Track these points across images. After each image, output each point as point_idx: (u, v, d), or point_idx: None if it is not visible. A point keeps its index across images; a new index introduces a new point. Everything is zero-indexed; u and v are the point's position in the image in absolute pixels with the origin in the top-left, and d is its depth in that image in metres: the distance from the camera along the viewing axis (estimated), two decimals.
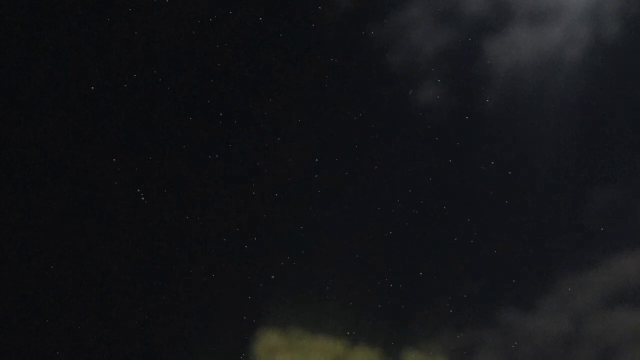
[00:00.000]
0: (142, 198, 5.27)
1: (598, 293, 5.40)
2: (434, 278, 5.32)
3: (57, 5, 5.28)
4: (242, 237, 5.30)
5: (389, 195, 5.38)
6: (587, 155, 5.46)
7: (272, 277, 5.26)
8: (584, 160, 5.46)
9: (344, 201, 5.37)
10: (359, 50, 5.48)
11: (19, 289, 5.15)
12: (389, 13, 5.48)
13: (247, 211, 5.31)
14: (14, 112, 5.25)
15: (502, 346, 5.33)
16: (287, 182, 5.35)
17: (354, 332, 5.25)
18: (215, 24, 5.39)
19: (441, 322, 5.30)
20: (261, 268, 5.28)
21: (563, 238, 5.39)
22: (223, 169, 5.35)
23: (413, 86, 5.44)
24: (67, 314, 5.16)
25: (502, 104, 5.44)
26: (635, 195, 5.45)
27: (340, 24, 5.46)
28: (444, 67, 5.48)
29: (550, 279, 5.37)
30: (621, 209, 5.44)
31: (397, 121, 5.42)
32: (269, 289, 5.24)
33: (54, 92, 5.30)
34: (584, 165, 5.46)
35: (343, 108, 5.42)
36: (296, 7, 5.49)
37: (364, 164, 5.40)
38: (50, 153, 5.24)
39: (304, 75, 5.46)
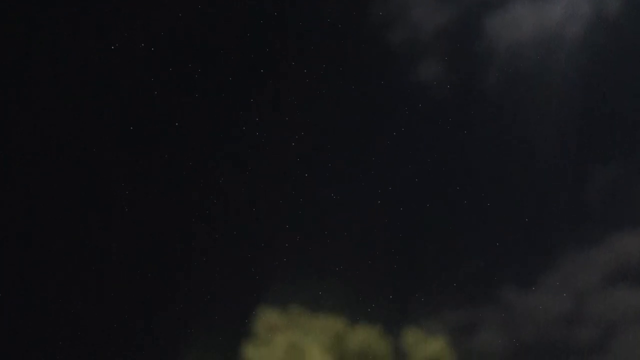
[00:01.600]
0: (141, 178, 5.25)
1: (599, 271, 5.39)
2: (434, 256, 5.31)
3: None
4: (242, 215, 5.28)
5: (389, 173, 5.36)
6: (589, 133, 5.44)
7: (272, 255, 5.24)
8: (585, 138, 5.44)
9: (344, 179, 5.34)
10: (359, 28, 5.45)
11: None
12: None
13: (247, 189, 5.29)
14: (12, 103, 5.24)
15: (503, 324, 5.31)
16: (287, 161, 5.33)
17: (354, 311, 5.24)
18: (214, 1, 5.36)
19: (442, 300, 5.29)
20: (261, 246, 5.26)
21: (564, 216, 5.37)
22: (222, 148, 5.32)
23: (414, 64, 5.41)
24: (67, 295, 5.15)
25: (503, 81, 5.42)
26: (636, 173, 5.43)
27: (341, 1, 5.43)
28: (444, 44, 5.46)
29: (551, 257, 5.35)
30: (622, 187, 5.43)
31: (397, 99, 5.39)
32: (269, 267, 5.22)
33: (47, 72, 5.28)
34: (585, 142, 5.43)
35: (343, 86, 5.39)
36: None
37: (364, 142, 5.38)
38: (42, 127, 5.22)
39: (304, 53, 5.43)
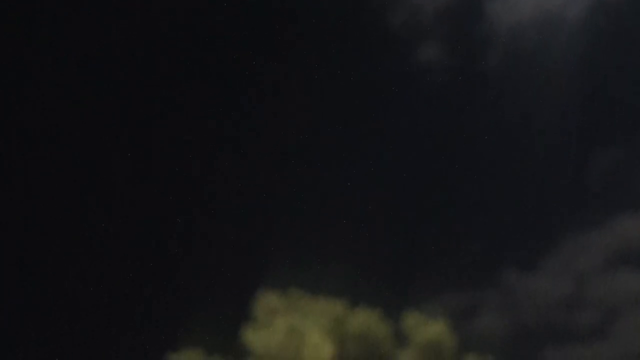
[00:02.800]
0: (142, 160, 5.24)
1: (600, 254, 5.37)
2: (435, 239, 5.29)
3: None
4: (243, 199, 5.26)
5: (390, 156, 5.34)
6: (589, 116, 5.42)
7: (273, 238, 5.23)
8: (585, 121, 5.42)
9: (344, 162, 5.33)
10: (360, 10, 5.42)
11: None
12: None
13: (248, 172, 5.27)
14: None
15: (504, 307, 5.30)
16: (287, 144, 5.31)
17: (354, 294, 5.22)
18: None
19: (442, 283, 5.27)
20: (262, 229, 5.24)
21: (565, 199, 5.35)
22: (223, 131, 5.31)
23: (414, 46, 5.39)
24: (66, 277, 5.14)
25: (504, 64, 5.40)
26: (637, 155, 5.41)
27: None
28: (445, 26, 5.44)
29: (552, 240, 5.33)
30: (623, 170, 5.41)
31: (398, 81, 5.37)
32: (270, 251, 5.21)
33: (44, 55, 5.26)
34: (586, 125, 5.41)
35: (344, 68, 5.38)
36: None
37: (365, 124, 5.36)
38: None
39: (305, 36, 5.41)
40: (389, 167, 5.33)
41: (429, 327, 5.27)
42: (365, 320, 5.25)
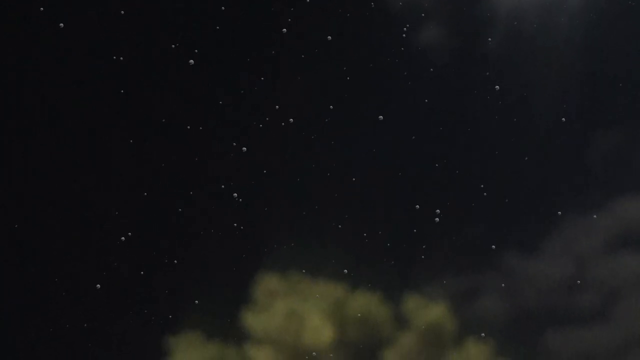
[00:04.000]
0: (140, 142, 5.21)
1: (601, 237, 5.35)
2: (435, 221, 5.26)
3: None
4: (242, 180, 5.24)
5: (390, 138, 5.32)
6: (591, 97, 5.40)
7: (272, 220, 5.21)
8: (587, 102, 5.39)
9: (344, 144, 5.30)
10: None
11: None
12: None
13: (246, 154, 5.24)
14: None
15: (504, 290, 5.28)
16: (286, 125, 5.28)
17: (354, 276, 5.20)
18: None
19: (443, 266, 5.25)
20: (261, 211, 5.22)
21: (566, 181, 5.34)
22: (222, 111, 5.28)
23: (414, 28, 5.36)
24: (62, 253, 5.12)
25: (505, 45, 5.37)
26: (639, 138, 5.39)
27: None
28: (445, 8, 5.40)
29: (553, 223, 5.31)
30: (625, 152, 5.39)
31: (396, 63, 5.34)
32: (269, 233, 5.19)
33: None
34: (587, 107, 5.39)
35: (341, 51, 5.35)
36: None
37: (364, 106, 5.33)
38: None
39: (303, 16, 5.38)
40: (389, 149, 5.31)
41: (429, 311, 5.25)
42: (365, 303, 5.23)
